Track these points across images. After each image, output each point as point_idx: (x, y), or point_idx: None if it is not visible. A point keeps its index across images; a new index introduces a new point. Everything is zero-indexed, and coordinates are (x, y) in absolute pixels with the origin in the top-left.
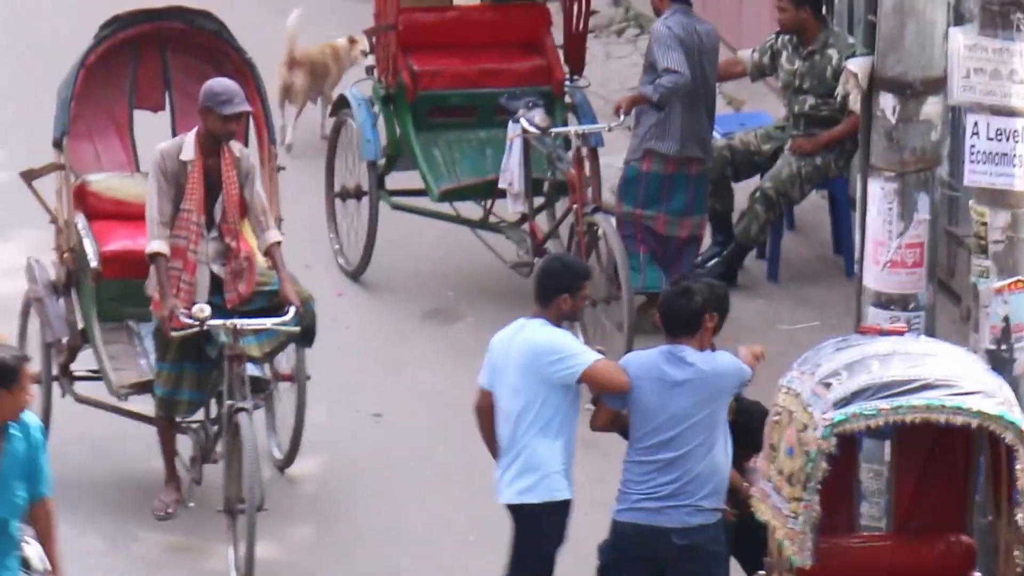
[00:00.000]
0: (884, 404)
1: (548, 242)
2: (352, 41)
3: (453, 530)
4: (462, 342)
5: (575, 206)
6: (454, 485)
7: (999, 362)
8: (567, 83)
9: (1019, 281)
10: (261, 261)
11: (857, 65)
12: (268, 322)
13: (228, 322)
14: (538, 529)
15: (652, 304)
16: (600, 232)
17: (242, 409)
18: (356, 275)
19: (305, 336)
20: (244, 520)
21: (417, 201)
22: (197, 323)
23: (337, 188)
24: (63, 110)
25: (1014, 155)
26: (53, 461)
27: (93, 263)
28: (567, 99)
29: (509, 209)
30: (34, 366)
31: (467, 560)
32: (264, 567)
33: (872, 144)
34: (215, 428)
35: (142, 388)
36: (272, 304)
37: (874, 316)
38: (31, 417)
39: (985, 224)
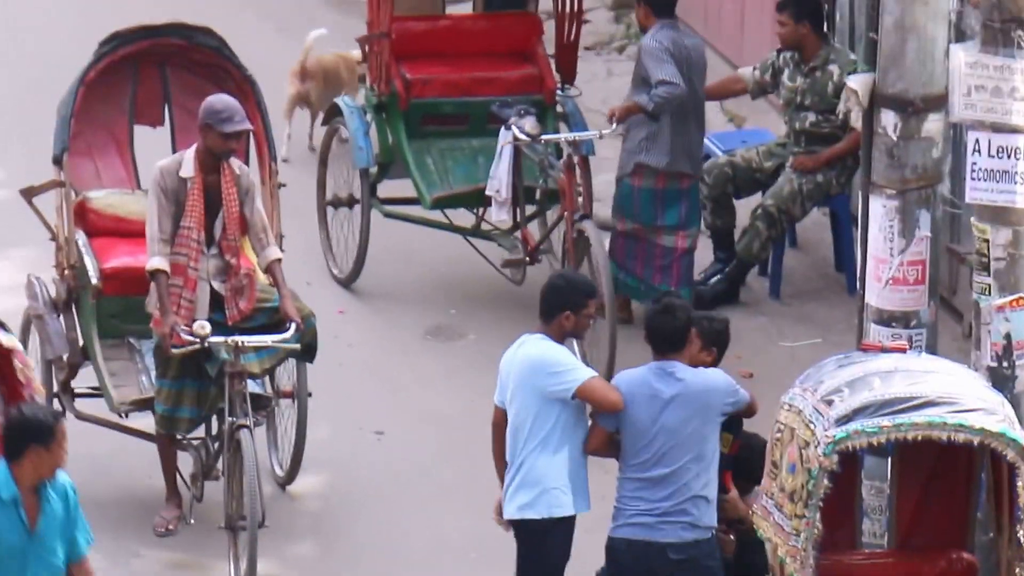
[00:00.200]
0: (886, 421)
1: (540, 249)
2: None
3: (454, 548)
4: (464, 360)
5: (565, 213)
6: (456, 503)
7: (1000, 379)
8: (558, 92)
9: (1020, 298)
10: (262, 278)
11: (858, 82)
12: (269, 339)
13: (229, 339)
14: (540, 545)
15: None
16: (589, 240)
17: (243, 426)
18: (348, 283)
19: (306, 353)
20: (245, 537)
21: (409, 209)
22: (198, 340)
23: (329, 196)
24: (63, 127)
25: (1015, 172)
26: None
27: (93, 280)
28: (558, 108)
29: (493, 217)
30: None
31: None
32: None
33: (873, 161)
34: (216, 445)
35: (143, 405)
36: (273, 321)
37: (876, 333)
38: (64, 475)
39: (987, 241)
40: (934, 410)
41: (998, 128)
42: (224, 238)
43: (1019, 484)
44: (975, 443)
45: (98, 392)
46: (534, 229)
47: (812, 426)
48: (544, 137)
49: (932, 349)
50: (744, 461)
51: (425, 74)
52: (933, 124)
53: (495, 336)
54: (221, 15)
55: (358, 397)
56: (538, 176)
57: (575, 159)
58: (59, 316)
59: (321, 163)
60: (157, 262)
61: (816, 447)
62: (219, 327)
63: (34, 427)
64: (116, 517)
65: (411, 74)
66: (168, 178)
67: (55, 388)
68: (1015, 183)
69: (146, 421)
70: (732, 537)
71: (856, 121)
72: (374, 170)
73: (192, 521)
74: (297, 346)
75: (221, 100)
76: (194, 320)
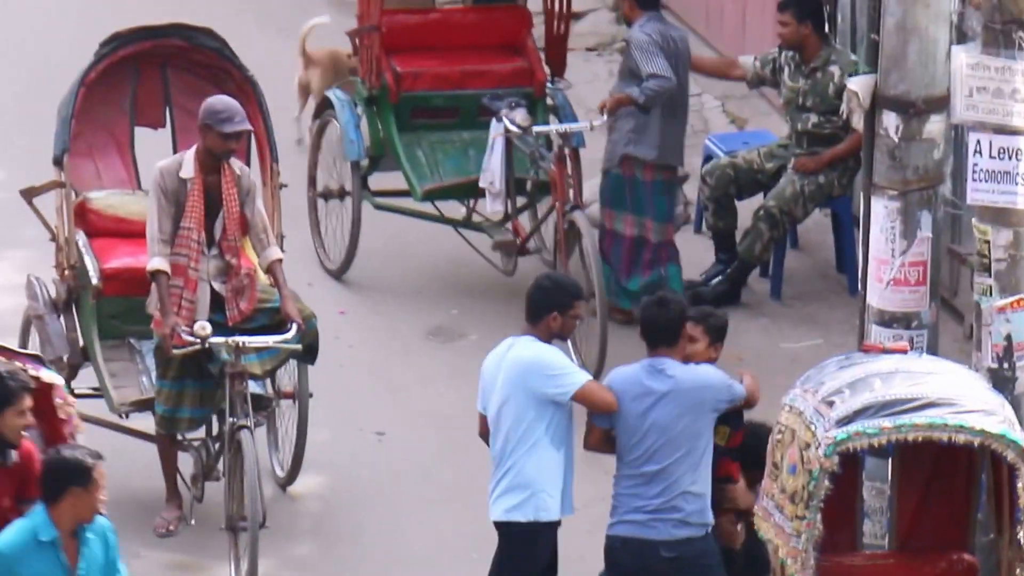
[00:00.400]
0: (887, 422)
1: (530, 245)
2: None
3: (456, 548)
4: (465, 360)
5: (557, 204)
6: (457, 503)
7: (1001, 380)
8: (548, 85)
9: (1021, 299)
10: (263, 278)
11: (859, 84)
12: (270, 340)
13: (230, 340)
14: (523, 549)
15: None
16: (580, 231)
17: (244, 427)
18: (339, 275)
19: (307, 353)
20: (246, 538)
21: (400, 201)
22: (198, 341)
23: (320, 188)
24: (63, 128)
25: (1016, 173)
26: None
27: (94, 280)
28: (548, 100)
29: (487, 208)
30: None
31: None
32: None
33: (875, 163)
34: (217, 446)
35: (143, 406)
36: (274, 321)
37: (877, 334)
38: (103, 519)
39: (988, 242)
40: (935, 411)
41: (999, 129)
42: (224, 238)
43: (1019, 485)
44: (975, 444)
45: (98, 393)
46: (524, 222)
47: (813, 427)
48: (536, 129)
49: (933, 350)
50: (753, 449)
51: (415, 67)
52: (934, 125)
53: (497, 336)
54: (221, 16)
55: (359, 398)
56: (529, 168)
57: (566, 151)
58: (59, 317)
59: (312, 155)
60: (157, 263)
61: (817, 448)
62: (220, 328)
63: (73, 469)
64: (116, 518)
65: (401, 67)
66: (168, 179)
67: None
68: (1016, 184)
69: (146, 422)
70: (740, 528)
71: (858, 122)
72: (365, 162)
73: (193, 522)
74: (298, 347)
75: (221, 101)
76: (195, 321)
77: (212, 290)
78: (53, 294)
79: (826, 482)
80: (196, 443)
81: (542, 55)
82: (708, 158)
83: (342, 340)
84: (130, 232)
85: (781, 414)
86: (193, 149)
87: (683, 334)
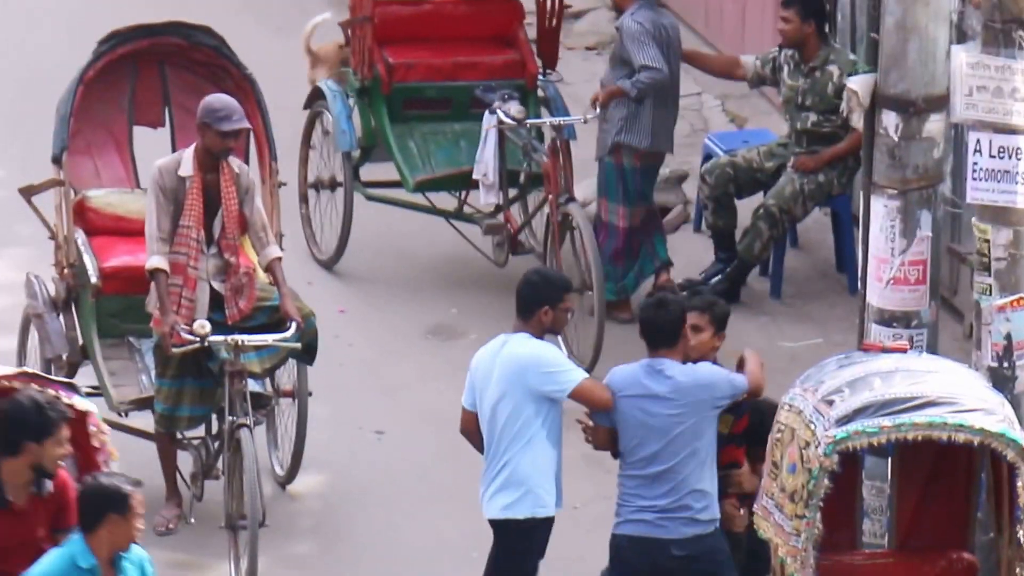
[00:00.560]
0: (886, 421)
1: (522, 242)
2: None
3: (455, 547)
4: (465, 359)
5: (550, 197)
6: (456, 502)
7: (1001, 379)
8: (540, 77)
9: (1021, 298)
10: (262, 277)
11: (859, 83)
12: (270, 338)
13: (229, 338)
14: (520, 545)
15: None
16: (574, 223)
17: (243, 425)
18: (330, 265)
19: (307, 352)
20: (246, 536)
21: (392, 192)
22: (198, 339)
23: (311, 179)
24: (62, 126)
25: (1016, 172)
26: None
27: (93, 279)
28: (540, 92)
29: (481, 200)
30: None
31: None
32: None
33: (874, 162)
34: (216, 444)
35: (142, 404)
36: (273, 320)
37: (876, 333)
38: (139, 548)
39: (987, 241)
40: (934, 410)
41: (999, 128)
42: (223, 237)
43: (1019, 484)
44: (975, 443)
45: (98, 391)
46: (516, 214)
47: (812, 426)
48: (529, 121)
49: (933, 349)
50: (756, 426)
51: (407, 58)
52: (934, 124)
53: (496, 335)
54: (220, 14)
55: (358, 396)
56: (521, 160)
57: (558, 143)
58: (58, 315)
59: (304, 145)
60: (156, 261)
61: (816, 447)
62: (219, 326)
63: (110, 496)
64: None
65: (394, 58)
66: (167, 177)
67: None
68: (1016, 183)
69: (146, 420)
70: (743, 511)
71: (857, 121)
72: (357, 153)
73: (192, 520)
74: (298, 345)
75: (219, 99)
76: (194, 319)
77: (211, 289)
78: (52, 292)
79: (826, 481)
80: (195, 441)
81: (534, 47)
82: (707, 157)
83: (342, 339)
84: (129, 230)
85: (780, 413)
86: (192, 147)
87: (683, 334)
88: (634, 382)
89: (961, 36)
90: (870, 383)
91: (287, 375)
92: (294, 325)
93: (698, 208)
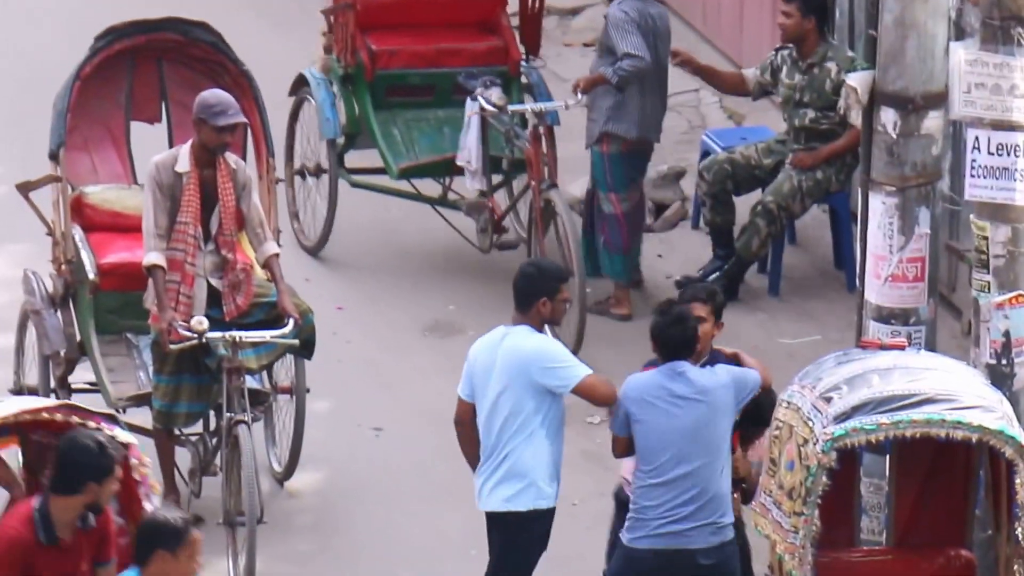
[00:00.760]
0: (884, 418)
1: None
2: None
3: (454, 544)
4: (463, 356)
5: (533, 183)
6: (454, 499)
7: (999, 377)
8: (523, 63)
9: (1020, 295)
10: (259, 273)
11: (857, 79)
12: (267, 335)
13: (227, 335)
14: (523, 538)
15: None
16: (556, 209)
17: (241, 422)
18: (315, 251)
19: (304, 349)
20: (243, 532)
21: (376, 179)
22: (196, 336)
23: (297, 166)
24: (59, 122)
25: (1015, 169)
26: None
27: (91, 275)
28: (523, 79)
29: (467, 186)
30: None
31: (467, 575)
32: None
33: (873, 159)
34: (214, 440)
35: (140, 401)
36: (271, 316)
37: (875, 330)
38: None
39: (986, 238)
40: (933, 407)
41: (998, 125)
42: (220, 233)
43: (1017, 481)
44: (973, 440)
45: (95, 388)
46: (499, 200)
47: (811, 423)
48: (511, 107)
49: (931, 346)
50: (749, 410)
51: (390, 45)
52: (933, 121)
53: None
54: (218, 11)
55: (356, 393)
56: (504, 146)
57: (541, 129)
58: (56, 311)
59: (289, 133)
60: (154, 257)
61: (815, 444)
62: (217, 323)
63: (162, 532)
64: None
65: (376, 45)
66: (163, 173)
67: (52, 384)
68: (1015, 180)
69: (144, 417)
70: (737, 496)
71: (855, 118)
72: (341, 140)
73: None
74: (295, 342)
75: (214, 94)
76: (192, 316)
77: (209, 285)
78: (50, 289)
79: (824, 478)
80: (193, 438)
81: (517, 34)
82: (705, 154)
83: (339, 335)
84: (127, 227)
85: (779, 410)
86: (188, 143)
87: (697, 347)
88: (656, 386)
89: (960, 33)
90: (868, 380)
91: (285, 371)
92: (292, 321)
93: (696, 205)
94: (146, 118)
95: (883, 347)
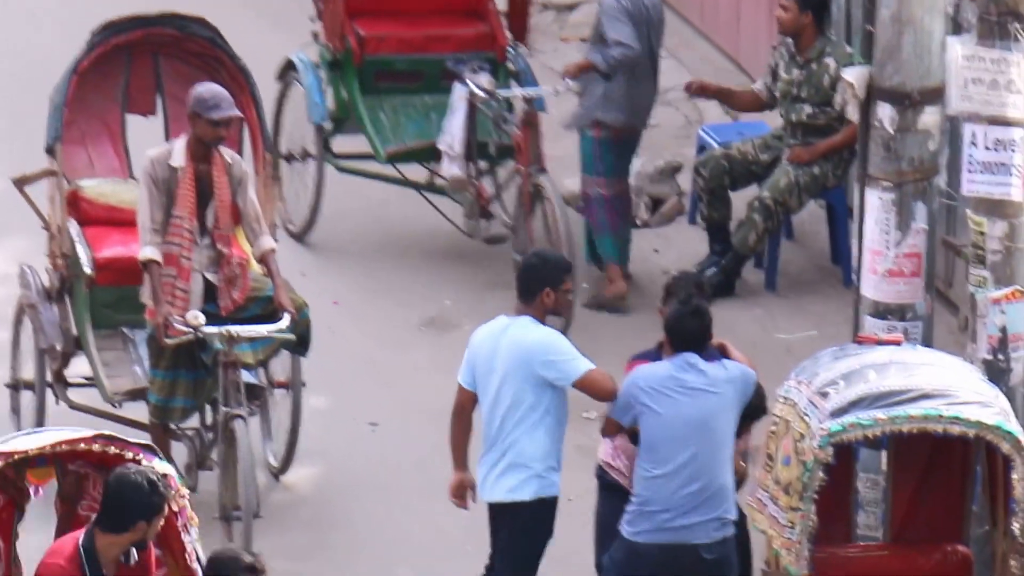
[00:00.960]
0: (881, 414)
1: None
2: None
3: (450, 540)
4: (459, 351)
5: (521, 168)
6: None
7: (996, 372)
8: (509, 50)
9: (1016, 291)
10: (255, 268)
11: (854, 75)
12: (264, 329)
13: (223, 329)
14: (529, 527)
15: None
16: (545, 194)
17: (237, 416)
18: (301, 236)
19: (300, 343)
20: (240, 527)
21: (363, 164)
22: (192, 330)
23: (284, 150)
24: (55, 116)
25: (1012, 165)
26: None
27: (87, 269)
28: (510, 65)
29: (444, 171)
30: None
31: (464, 569)
32: None
33: (870, 154)
34: (210, 435)
35: (136, 395)
36: (267, 311)
37: (871, 325)
38: None
39: (983, 234)
40: (930, 403)
41: (995, 121)
42: (216, 227)
43: (1014, 477)
44: (971, 436)
45: (91, 382)
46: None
47: (807, 419)
48: (500, 93)
49: (928, 342)
50: None
51: (379, 31)
52: (930, 117)
53: None
54: (217, 6)
55: (352, 388)
56: (491, 132)
57: (529, 115)
58: (52, 306)
59: (276, 117)
60: (149, 252)
61: (811, 440)
62: (213, 317)
63: (232, 566)
64: None
65: (365, 31)
66: (159, 167)
67: (48, 378)
68: (1011, 176)
69: (140, 411)
70: None
71: (852, 113)
72: (328, 125)
73: None
74: (292, 336)
75: (208, 88)
76: (188, 310)
77: (205, 280)
78: (46, 283)
79: (820, 473)
80: (190, 432)
81: (504, 20)
82: (702, 149)
83: (335, 330)
84: (123, 221)
85: (775, 405)
86: (183, 138)
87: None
88: (666, 377)
89: (956, 28)
90: (865, 375)
91: (281, 366)
92: (288, 316)
93: (693, 200)
94: (141, 112)
95: (880, 342)
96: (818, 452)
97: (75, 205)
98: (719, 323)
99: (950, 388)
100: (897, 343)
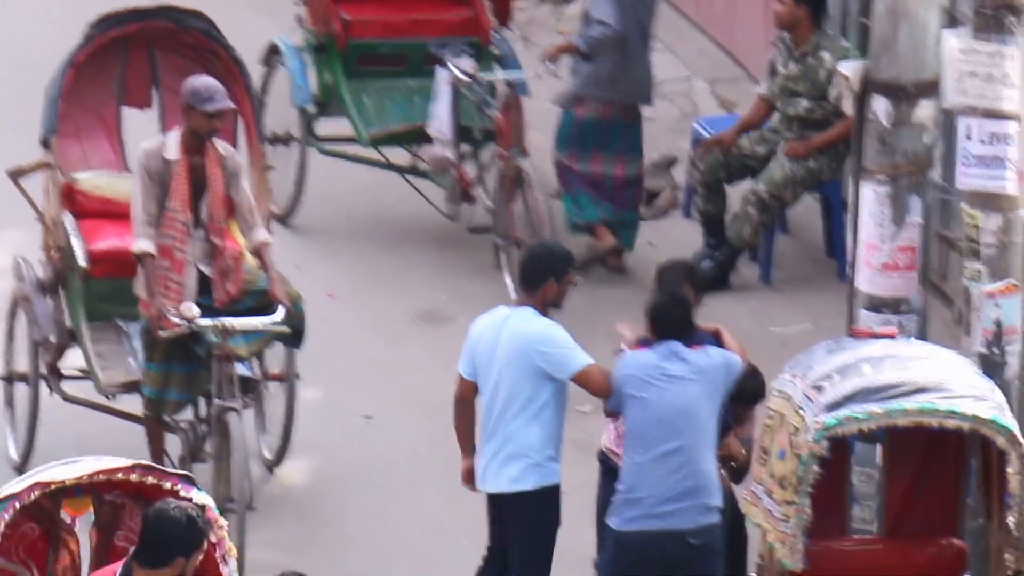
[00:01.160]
0: (876, 408)
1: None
2: None
3: (445, 532)
4: (454, 344)
5: (503, 152)
6: (446, 487)
7: (990, 366)
8: (493, 34)
9: (1011, 285)
10: (250, 260)
11: (849, 68)
12: (258, 322)
13: (217, 321)
14: (536, 516)
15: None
16: (525, 177)
17: (231, 409)
18: (284, 219)
19: (295, 336)
20: (234, 519)
21: (347, 148)
22: (186, 323)
23: (268, 134)
24: (51, 108)
25: (1006, 158)
26: (40, 460)
27: (81, 262)
28: (494, 50)
29: (425, 153)
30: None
31: (459, 563)
32: (254, 567)
33: (865, 147)
34: (204, 427)
35: (130, 387)
36: (261, 303)
37: (866, 319)
38: None
39: (977, 227)
40: (925, 396)
41: (989, 114)
42: (210, 220)
43: (1009, 470)
44: (965, 429)
45: (86, 374)
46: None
47: (802, 412)
48: (483, 76)
49: (922, 335)
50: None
51: (363, 15)
52: (925, 110)
53: None
54: (215, 4)
55: (347, 381)
56: (474, 116)
57: (511, 98)
58: (47, 298)
59: (259, 101)
60: (143, 244)
61: (806, 433)
62: (207, 310)
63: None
64: None
65: (349, 15)
66: (153, 160)
67: (42, 370)
68: (1006, 169)
69: (134, 403)
70: (724, 472)
71: (848, 107)
72: (312, 108)
73: None
74: (286, 329)
75: (202, 81)
76: (182, 303)
77: (199, 272)
78: (40, 275)
79: (815, 467)
80: (184, 424)
81: (488, 4)
82: (697, 141)
83: (330, 323)
84: (117, 213)
85: (770, 399)
86: (177, 130)
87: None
88: (651, 366)
89: (952, 22)
90: (860, 369)
91: (275, 359)
92: (282, 309)
93: (687, 193)
94: (137, 104)
95: (874, 336)
96: (813, 446)
97: (70, 198)
98: (714, 316)
99: (945, 382)
100: (892, 336)
